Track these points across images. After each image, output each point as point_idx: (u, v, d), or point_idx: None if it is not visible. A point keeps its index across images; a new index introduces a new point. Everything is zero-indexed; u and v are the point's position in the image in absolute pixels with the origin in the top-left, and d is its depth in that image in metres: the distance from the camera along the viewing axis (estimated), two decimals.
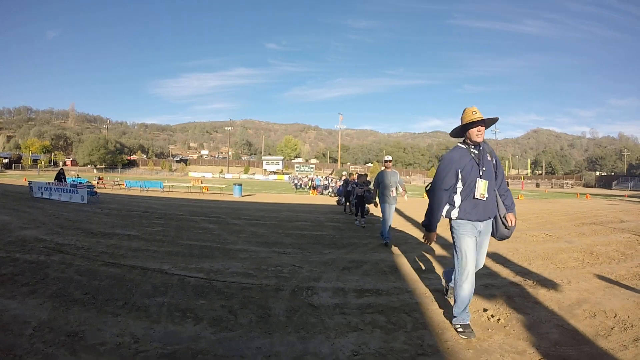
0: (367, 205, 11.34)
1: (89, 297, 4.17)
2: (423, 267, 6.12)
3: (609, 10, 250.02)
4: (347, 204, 14.99)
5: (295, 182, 40.20)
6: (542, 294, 4.77)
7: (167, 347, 3.06)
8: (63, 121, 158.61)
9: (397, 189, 8.20)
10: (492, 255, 7.01)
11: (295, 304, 4.19)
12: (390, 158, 8.57)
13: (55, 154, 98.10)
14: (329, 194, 27.27)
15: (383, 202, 8.14)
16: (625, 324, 3.81)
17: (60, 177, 18.25)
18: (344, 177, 21.48)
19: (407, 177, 63.56)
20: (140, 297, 4.22)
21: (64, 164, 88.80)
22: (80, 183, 19.02)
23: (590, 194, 38.76)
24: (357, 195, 11.42)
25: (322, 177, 37.19)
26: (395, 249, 7.49)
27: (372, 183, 9.77)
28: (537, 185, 78.38)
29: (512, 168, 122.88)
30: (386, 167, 8.35)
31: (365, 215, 11.53)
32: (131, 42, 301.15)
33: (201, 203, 18.04)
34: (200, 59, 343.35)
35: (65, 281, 4.73)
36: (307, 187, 36.84)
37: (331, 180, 31.60)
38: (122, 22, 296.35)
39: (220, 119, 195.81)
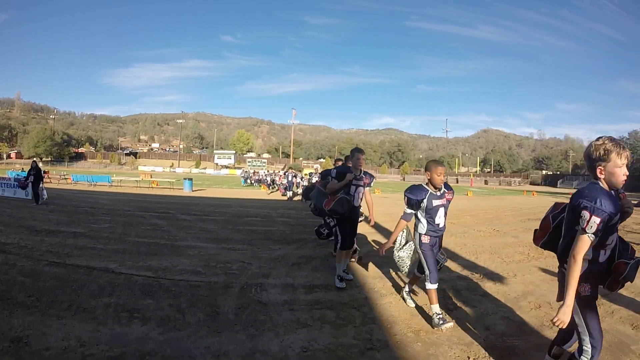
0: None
1: (33, 299, 4.08)
2: (372, 263, 6.26)
3: (560, 21, 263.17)
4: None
5: (252, 177, 36.92)
6: (489, 287, 5.09)
7: (114, 350, 3.06)
8: (8, 110, 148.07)
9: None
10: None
11: (244, 302, 4.26)
12: None
13: None
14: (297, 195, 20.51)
15: None
16: None
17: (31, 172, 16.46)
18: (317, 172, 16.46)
19: None
20: (86, 298, 4.17)
21: (8, 156, 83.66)
22: (25, 177, 17.97)
23: (537, 192, 40.57)
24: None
25: (292, 173, 25.66)
26: None
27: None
28: (486, 182, 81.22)
29: (462, 166, 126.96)
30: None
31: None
32: (82, 29, 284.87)
33: (150, 198, 17.65)
34: (153, 49, 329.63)
35: (8, 283, 4.59)
36: (257, 182, 33.95)
37: (302, 178, 22.76)
38: (73, 7, 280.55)
39: (172, 111, 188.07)
